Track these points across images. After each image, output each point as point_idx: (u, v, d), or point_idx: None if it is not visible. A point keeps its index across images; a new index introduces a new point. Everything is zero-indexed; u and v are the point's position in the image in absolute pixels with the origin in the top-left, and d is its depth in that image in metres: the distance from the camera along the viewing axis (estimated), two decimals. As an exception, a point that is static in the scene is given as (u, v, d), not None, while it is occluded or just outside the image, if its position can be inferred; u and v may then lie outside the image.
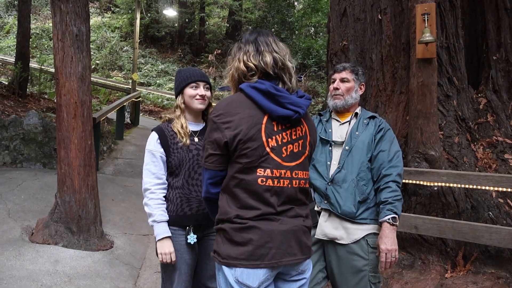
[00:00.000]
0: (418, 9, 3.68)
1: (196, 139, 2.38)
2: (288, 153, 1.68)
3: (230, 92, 1.86)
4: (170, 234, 2.28)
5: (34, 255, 3.84)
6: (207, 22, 22.12)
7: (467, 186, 3.54)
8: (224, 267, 1.65)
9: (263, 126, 1.64)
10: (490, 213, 3.71)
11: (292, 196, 1.70)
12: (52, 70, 13.11)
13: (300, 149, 1.73)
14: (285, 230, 1.66)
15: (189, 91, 2.36)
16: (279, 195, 1.66)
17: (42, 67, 11.12)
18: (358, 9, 4.48)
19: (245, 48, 1.73)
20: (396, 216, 2.22)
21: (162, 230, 2.27)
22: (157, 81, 17.65)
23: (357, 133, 2.40)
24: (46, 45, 18.55)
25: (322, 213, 2.38)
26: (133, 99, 11.09)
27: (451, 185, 3.57)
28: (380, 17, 4.28)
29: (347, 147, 2.37)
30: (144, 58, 18.81)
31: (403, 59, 4.13)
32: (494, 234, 3.29)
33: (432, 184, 3.64)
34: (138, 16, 11.89)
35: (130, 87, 12.64)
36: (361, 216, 2.32)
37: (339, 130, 2.47)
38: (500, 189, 3.43)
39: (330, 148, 2.43)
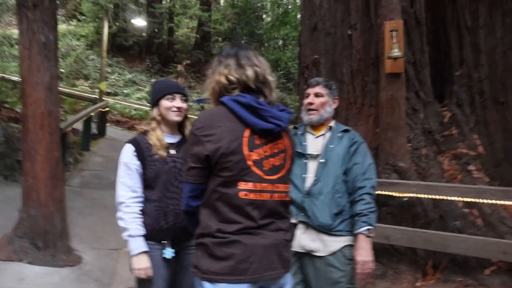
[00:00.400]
0: (386, 26, 3.81)
1: (172, 151, 2.35)
2: (269, 166, 1.68)
3: (208, 105, 1.84)
4: (146, 249, 2.22)
5: (-4, 273, 3.66)
6: (176, 33, 22.02)
7: (435, 196, 3.67)
8: (205, 283, 1.63)
9: (245, 139, 1.63)
10: (457, 222, 3.83)
11: (273, 209, 1.69)
12: (15, 78, 12.66)
13: (281, 162, 1.73)
14: (267, 244, 1.65)
15: (165, 103, 2.33)
16: (261, 209, 1.66)
17: (4, 75, 10.70)
18: (329, 24, 4.59)
19: (226, 62, 1.73)
20: (371, 227, 2.26)
21: (138, 244, 2.22)
22: (125, 91, 17.33)
23: (331, 146, 2.43)
24: (6, 52, 17.91)
25: (299, 225, 2.39)
26: (100, 109, 10.84)
27: (420, 195, 3.69)
28: (350, 33, 4.40)
29: (322, 160, 2.40)
30: (111, 67, 18.46)
31: (372, 73, 4.25)
32: (462, 243, 3.41)
33: (401, 195, 3.75)
34: (106, 25, 11.69)
35: (97, 96, 12.35)
36: (337, 228, 2.34)
37: (314, 143, 2.50)
38: (466, 199, 3.57)
39: (306, 161, 2.45)
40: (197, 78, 19.74)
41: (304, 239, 2.37)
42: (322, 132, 2.52)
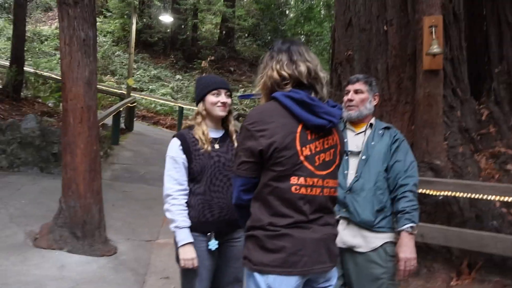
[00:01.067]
0: (425, 21, 3.77)
1: (216, 146, 2.40)
2: (320, 161, 1.70)
3: (253, 100, 1.86)
4: (192, 240, 2.28)
5: (39, 260, 3.80)
6: (201, 29, 22.16)
7: (472, 195, 3.61)
8: (256, 274, 1.66)
9: (298, 135, 1.65)
10: (494, 222, 3.78)
11: (323, 204, 1.72)
12: (46, 73, 12.99)
13: (331, 158, 1.75)
14: (317, 238, 1.68)
15: (210, 98, 2.37)
16: (311, 204, 1.68)
17: (37, 71, 11.00)
18: (364, 19, 4.56)
19: (278, 57, 1.74)
20: (414, 225, 2.27)
21: (184, 236, 2.28)
22: (150, 87, 17.57)
23: (373, 143, 2.43)
24: (37, 49, 18.36)
25: (341, 221, 2.41)
26: (128, 105, 11.04)
27: (457, 194, 3.64)
28: (386, 28, 4.37)
29: (363, 157, 2.41)
30: (137, 63, 18.72)
31: (408, 69, 4.21)
32: (500, 243, 3.36)
33: (438, 193, 3.71)
34: (134, 21, 11.87)
35: (124, 92, 12.56)
36: (379, 224, 2.35)
37: (354, 140, 2.51)
38: (505, 198, 3.51)
39: (347, 157, 2.45)
40: (220, 74, 19.84)
41: (346, 235, 2.38)
42: (362, 129, 2.52)
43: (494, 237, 3.44)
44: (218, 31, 22.17)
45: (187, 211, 2.32)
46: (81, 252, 4.10)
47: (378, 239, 2.35)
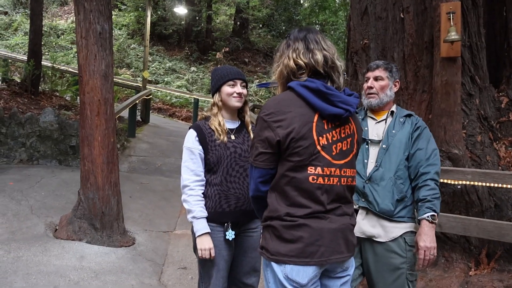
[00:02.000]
0: (443, 8, 3.68)
1: (232, 137, 2.41)
2: (337, 151, 1.69)
3: (268, 91, 1.85)
4: (209, 230, 2.30)
5: (60, 251, 3.88)
6: (215, 20, 22.12)
7: (492, 184, 3.55)
8: (273, 264, 1.67)
9: (314, 124, 1.65)
10: (514, 211, 3.72)
11: (340, 194, 1.71)
12: (63, 67, 13.16)
13: (348, 147, 1.74)
14: (334, 228, 1.68)
15: (226, 89, 2.38)
16: (329, 193, 1.68)
17: (54, 65, 11.15)
18: (380, 7, 4.49)
19: (294, 46, 1.72)
20: (435, 214, 2.24)
21: (201, 226, 2.30)
22: (165, 79, 17.67)
23: (394, 131, 2.40)
24: (54, 43, 18.60)
25: (360, 211, 2.40)
26: (144, 97, 11.12)
27: (475, 183, 3.58)
28: (402, 16, 4.29)
29: (384, 146, 2.38)
30: (152, 55, 18.82)
31: (425, 57, 4.13)
32: (520, 232, 3.30)
33: (455, 183, 3.65)
34: (149, 14, 11.90)
35: (140, 85, 12.66)
36: (399, 214, 2.33)
37: (375, 129, 2.48)
38: (525, 187, 3.43)
39: (367, 146, 2.44)
40: (235, 65, 19.80)
41: (365, 225, 2.37)
42: (383, 117, 2.49)
43: (514, 227, 3.38)
44: (232, 22, 22.10)
45: (203, 202, 2.35)
46: (100, 243, 4.17)
47: (397, 229, 2.33)
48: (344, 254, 1.71)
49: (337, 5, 19.91)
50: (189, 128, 2.43)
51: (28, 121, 6.73)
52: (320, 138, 1.65)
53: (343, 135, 1.72)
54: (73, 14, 4.76)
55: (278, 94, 1.76)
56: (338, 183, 1.70)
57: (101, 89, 4.27)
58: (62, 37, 19.47)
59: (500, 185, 3.51)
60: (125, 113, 9.41)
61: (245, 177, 2.37)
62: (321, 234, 1.65)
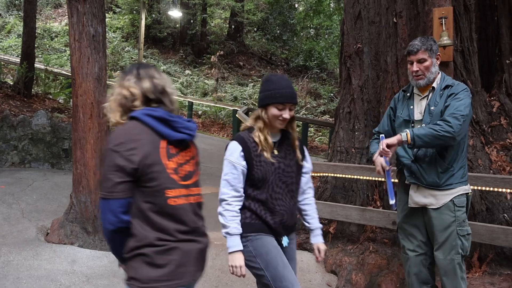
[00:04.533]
0: (435, 13, 3.71)
1: (275, 151, 2.32)
2: (184, 173, 1.82)
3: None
4: (242, 248, 2.24)
5: (51, 255, 3.85)
6: (210, 23, 22.15)
7: (483, 188, 3.57)
8: None
9: (162, 150, 1.76)
10: (505, 215, 3.74)
11: (195, 212, 1.84)
12: (56, 70, 13.10)
13: (193, 168, 1.88)
14: (199, 248, 1.81)
15: (273, 110, 2.25)
16: (188, 212, 1.79)
17: (47, 67, 11.10)
18: (373, 12, 4.52)
19: (127, 77, 1.86)
20: (409, 134, 2.43)
21: (235, 243, 2.23)
22: (159, 82, 17.62)
23: (432, 108, 2.57)
24: (47, 45, 18.52)
25: (411, 186, 2.67)
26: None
27: (467, 187, 3.60)
28: (395, 20, 4.31)
29: (424, 125, 2.56)
30: (146, 58, 18.80)
31: (418, 62, 4.15)
32: (511, 236, 3.32)
33: (448, 186, 3.67)
34: (143, 17, 11.89)
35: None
36: (446, 183, 2.56)
37: (419, 107, 2.67)
38: (516, 191, 3.46)
39: (413, 125, 2.64)
40: (230, 69, 19.83)
41: (417, 196, 2.65)
42: (426, 93, 2.66)
43: (505, 230, 3.40)
44: (227, 25, 22.15)
45: (239, 218, 2.27)
46: (92, 246, 4.15)
47: (447, 196, 2.58)
48: (202, 272, 1.86)
49: (331, 9, 20.03)
50: (232, 140, 2.34)
51: (20, 123, 6.69)
52: (169, 162, 1.77)
53: (187, 158, 1.86)
54: (67, 16, 4.75)
55: (122, 126, 1.79)
56: (191, 202, 1.83)
57: (94, 92, 4.25)
58: (55, 39, 19.41)
59: (491, 189, 3.54)
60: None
61: (287, 193, 2.32)
62: (189, 254, 1.75)
